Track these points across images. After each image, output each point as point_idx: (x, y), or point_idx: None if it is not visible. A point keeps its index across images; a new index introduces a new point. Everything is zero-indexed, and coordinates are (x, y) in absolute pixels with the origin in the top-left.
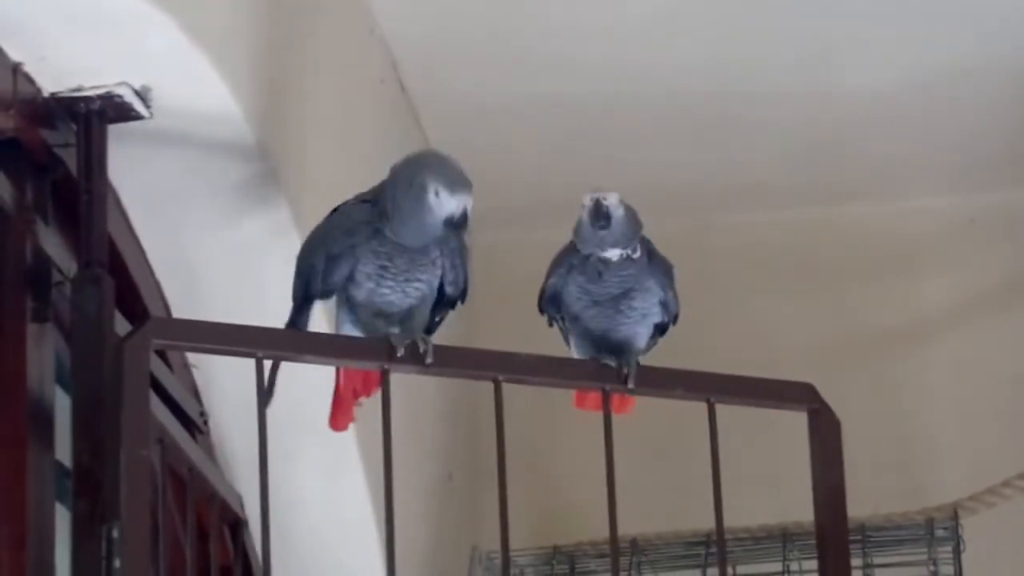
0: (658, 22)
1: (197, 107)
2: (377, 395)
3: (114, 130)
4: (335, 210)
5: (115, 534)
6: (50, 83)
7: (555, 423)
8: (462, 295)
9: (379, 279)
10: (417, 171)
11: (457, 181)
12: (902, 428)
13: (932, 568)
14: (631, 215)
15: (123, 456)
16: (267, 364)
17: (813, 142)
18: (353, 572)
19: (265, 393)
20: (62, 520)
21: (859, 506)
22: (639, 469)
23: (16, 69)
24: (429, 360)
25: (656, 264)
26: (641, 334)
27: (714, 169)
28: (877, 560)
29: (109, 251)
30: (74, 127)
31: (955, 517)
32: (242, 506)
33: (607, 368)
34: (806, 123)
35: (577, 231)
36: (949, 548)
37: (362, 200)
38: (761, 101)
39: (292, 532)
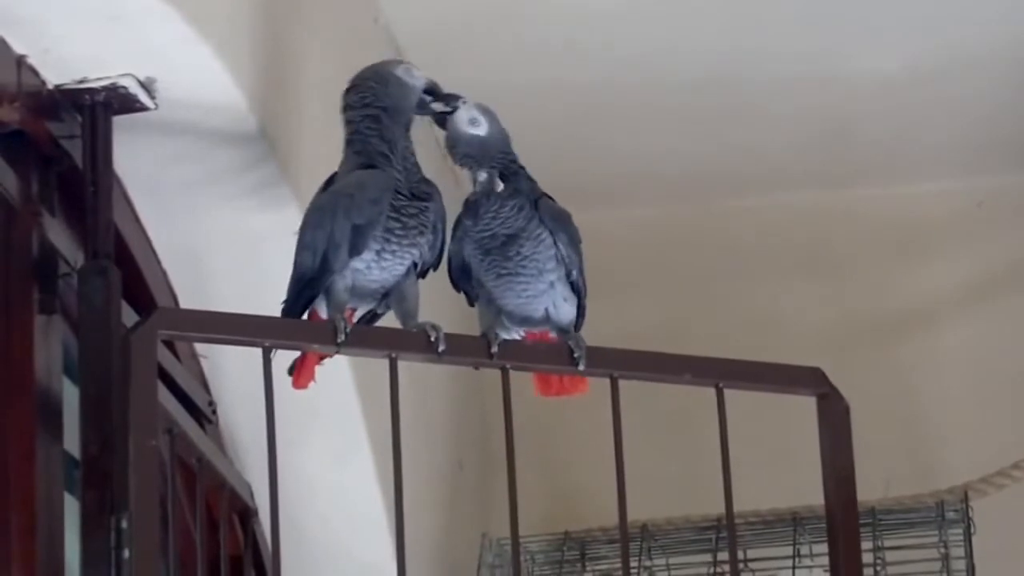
0: (665, 8)
1: (202, 98)
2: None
3: (119, 121)
4: (328, 182)
5: (124, 524)
6: (54, 75)
7: (564, 409)
8: (437, 261)
9: (384, 243)
10: (375, 75)
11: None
12: (912, 411)
13: (943, 550)
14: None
15: (132, 446)
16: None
17: (822, 127)
18: (363, 560)
19: (271, 382)
20: (71, 511)
21: (869, 489)
22: (649, 454)
23: (20, 62)
24: (442, 348)
25: (544, 209)
26: (546, 294)
27: (722, 154)
28: (888, 543)
29: (115, 242)
30: (79, 119)
31: (965, 499)
32: (252, 495)
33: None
34: (815, 108)
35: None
36: (960, 530)
37: (362, 166)
38: (770, 86)
39: (302, 521)
